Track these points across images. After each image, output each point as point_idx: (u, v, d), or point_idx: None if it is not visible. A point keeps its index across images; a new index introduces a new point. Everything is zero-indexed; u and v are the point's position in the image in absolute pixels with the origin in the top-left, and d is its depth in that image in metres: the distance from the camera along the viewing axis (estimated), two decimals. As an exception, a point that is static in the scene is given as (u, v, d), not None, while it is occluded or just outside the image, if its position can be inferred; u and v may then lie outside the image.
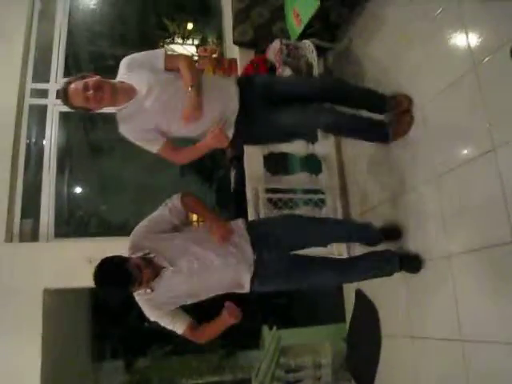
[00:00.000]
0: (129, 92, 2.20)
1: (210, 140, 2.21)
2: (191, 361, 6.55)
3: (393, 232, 2.74)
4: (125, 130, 2.28)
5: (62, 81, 2.14)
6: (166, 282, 2.04)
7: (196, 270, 2.08)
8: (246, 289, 2.20)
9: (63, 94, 2.15)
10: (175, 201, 2.21)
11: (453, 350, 2.30)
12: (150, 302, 2.08)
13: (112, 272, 1.90)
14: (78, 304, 4.58)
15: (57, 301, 3.44)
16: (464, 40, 2.20)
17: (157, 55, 2.27)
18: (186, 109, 2.15)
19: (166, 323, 2.13)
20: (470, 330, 2.19)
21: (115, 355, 6.37)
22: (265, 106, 2.43)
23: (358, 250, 2.90)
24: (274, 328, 4.83)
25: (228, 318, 2.08)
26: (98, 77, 2.16)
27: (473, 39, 2.15)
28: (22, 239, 3.31)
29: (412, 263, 2.56)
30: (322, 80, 3.08)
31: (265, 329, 5.33)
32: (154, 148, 2.31)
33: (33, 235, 3.37)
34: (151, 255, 2.04)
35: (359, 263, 2.56)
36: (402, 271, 2.58)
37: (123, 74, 2.26)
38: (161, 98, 2.20)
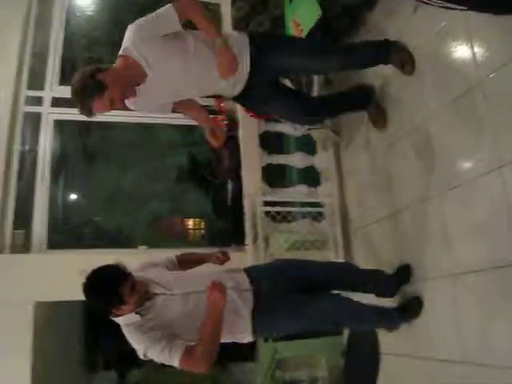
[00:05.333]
0: (138, 78, 2.12)
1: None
2: (186, 375, 6.45)
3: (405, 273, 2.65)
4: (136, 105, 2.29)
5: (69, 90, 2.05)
6: (158, 307, 1.96)
7: (191, 299, 2.01)
8: (248, 333, 2.13)
9: (88, 113, 2.06)
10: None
11: (455, 371, 2.25)
12: (139, 327, 1.90)
13: (103, 285, 1.85)
14: (70, 316, 4.50)
15: (49, 313, 3.36)
16: (470, 54, 2.15)
17: (166, 14, 2.10)
18: (222, 64, 2.14)
19: (159, 350, 1.84)
20: (473, 352, 2.14)
21: (108, 367, 6.27)
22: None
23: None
24: (270, 340, 4.76)
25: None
26: (114, 88, 2.03)
27: (479, 53, 2.11)
28: (13, 250, 3.22)
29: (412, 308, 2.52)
30: None
31: (260, 341, 5.26)
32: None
33: (25, 246, 3.29)
34: (146, 284, 1.98)
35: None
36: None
37: (129, 48, 2.10)
38: (176, 70, 2.17)
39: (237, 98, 2.56)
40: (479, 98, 2.08)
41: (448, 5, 1.49)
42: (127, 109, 2.36)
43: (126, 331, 1.94)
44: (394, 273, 2.66)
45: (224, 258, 2.33)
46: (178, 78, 2.22)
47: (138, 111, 2.53)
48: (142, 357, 1.90)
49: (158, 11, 2.12)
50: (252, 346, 5.53)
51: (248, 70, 2.32)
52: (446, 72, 2.33)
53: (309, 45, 2.71)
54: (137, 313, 1.91)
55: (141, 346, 1.88)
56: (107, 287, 1.84)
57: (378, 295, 2.60)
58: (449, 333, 2.29)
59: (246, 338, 2.16)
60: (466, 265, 2.19)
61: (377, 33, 2.95)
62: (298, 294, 2.30)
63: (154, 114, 2.43)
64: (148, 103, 2.33)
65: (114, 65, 2.11)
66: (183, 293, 2.01)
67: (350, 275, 2.60)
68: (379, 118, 2.89)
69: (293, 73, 2.68)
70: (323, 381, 4.16)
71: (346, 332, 3.56)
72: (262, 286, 2.18)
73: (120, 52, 2.14)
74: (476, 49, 2.12)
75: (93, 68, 2.04)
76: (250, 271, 2.28)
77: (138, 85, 2.14)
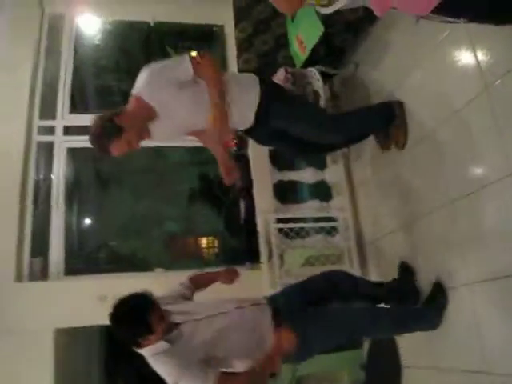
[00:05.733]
0: (150, 117, 2.23)
1: None
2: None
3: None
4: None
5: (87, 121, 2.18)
6: (187, 334, 1.96)
7: (217, 326, 2.02)
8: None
9: (106, 154, 2.18)
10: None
11: (477, 381, 2.21)
12: (169, 356, 1.89)
13: (132, 314, 1.86)
14: (89, 341, 4.51)
15: (68, 340, 3.39)
16: (474, 62, 2.16)
17: (182, 67, 2.21)
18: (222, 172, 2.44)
19: (191, 377, 1.84)
20: (495, 362, 2.10)
21: (129, 393, 6.24)
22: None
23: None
24: (289, 358, 4.71)
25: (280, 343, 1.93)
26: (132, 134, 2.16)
27: (483, 61, 2.11)
28: (31, 278, 3.26)
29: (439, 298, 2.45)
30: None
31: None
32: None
33: (43, 274, 3.32)
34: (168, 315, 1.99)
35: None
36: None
37: (143, 91, 2.21)
38: (180, 115, 2.28)
39: (248, 133, 2.70)
40: (485, 105, 2.09)
41: (448, 19, 1.50)
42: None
43: (153, 361, 1.91)
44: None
45: (232, 277, 2.39)
46: (186, 123, 2.37)
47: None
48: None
49: (175, 60, 2.29)
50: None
51: (251, 120, 2.44)
52: (452, 80, 2.34)
53: (317, 118, 2.73)
54: (166, 340, 1.91)
55: (172, 374, 1.86)
56: (136, 317, 1.85)
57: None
58: (470, 343, 2.25)
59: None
60: (486, 273, 2.16)
61: (380, 46, 2.98)
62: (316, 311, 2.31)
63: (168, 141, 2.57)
64: (159, 140, 2.56)
65: (127, 107, 2.22)
66: (207, 316, 2.03)
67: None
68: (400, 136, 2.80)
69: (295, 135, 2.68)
70: (345, 396, 4.10)
71: (366, 345, 3.52)
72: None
73: (133, 92, 2.24)
74: (480, 56, 2.13)
75: (110, 113, 2.16)
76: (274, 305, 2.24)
77: (152, 121, 2.24)
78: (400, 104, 2.73)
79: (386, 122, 2.73)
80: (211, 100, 2.19)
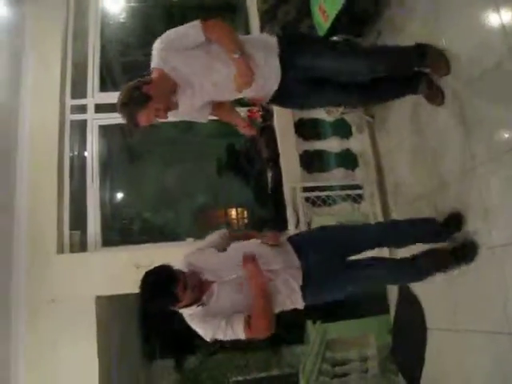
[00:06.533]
0: (173, 88, 2.21)
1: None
2: (238, 358, 6.65)
3: (455, 220, 2.55)
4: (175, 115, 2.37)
5: (115, 98, 2.17)
6: (216, 294, 2.06)
7: (243, 288, 2.08)
8: (300, 304, 2.21)
9: (134, 124, 2.16)
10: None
11: (501, 343, 2.25)
12: (202, 316, 2.04)
13: (156, 289, 1.93)
14: (127, 308, 4.74)
15: (108, 306, 3.59)
16: (498, 22, 2.12)
17: (193, 33, 2.17)
18: (237, 79, 2.16)
19: (224, 330, 2.01)
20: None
21: (165, 355, 6.53)
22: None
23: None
24: (318, 322, 4.86)
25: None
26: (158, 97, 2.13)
27: (507, 20, 2.06)
28: (72, 250, 3.46)
29: (468, 252, 2.43)
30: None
31: (309, 323, 5.36)
32: None
33: (82, 245, 3.52)
34: (200, 273, 2.07)
35: (417, 262, 2.44)
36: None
37: (159, 62, 2.19)
38: (205, 83, 2.23)
39: (273, 101, 2.56)
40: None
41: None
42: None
43: (190, 321, 2.08)
44: (444, 221, 2.57)
45: (274, 241, 2.28)
46: (206, 87, 2.28)
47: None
48: (210, 341, 2.07)
49: (186, 27, 2.20)
50: (301, 328, 5.65)
51: (279, 71, 2.33)
52: (477, 42, 2.31)
53: (336, 46, 2.66)
54: (199, 305, 2.03)
55: (207, 332, 2.04)
56: (161, 291, 1.94)
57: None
58: (494, 305, 2.29)
59: (296, 306, 2.23)
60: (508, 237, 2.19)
61: (403, 13, 2.96)
62: (343, 261, 2.36)
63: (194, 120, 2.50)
64: (185, 112, 2.40)
65: (153, 77, 2.20)
66: (233, 278, 2.10)
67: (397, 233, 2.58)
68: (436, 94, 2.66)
69: (324, 73, 2.50)
70: (373, 359, 4.22)
71: (393, 310, 3.60)
72: (309, 261, 2.22)
73: (152, 65, 2.23)
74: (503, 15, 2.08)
75: (138, 82, 2.15)
76: (295, 244, 2.29)
77: (175, 94, 2.24)
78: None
79: (420, 55, 2.55)
80: (230, 55, 2.14)
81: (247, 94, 2.36)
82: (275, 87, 2.37)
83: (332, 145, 3.66)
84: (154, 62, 2.21)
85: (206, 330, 2.04)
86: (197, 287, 2.02)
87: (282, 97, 2.47)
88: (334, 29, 3.26)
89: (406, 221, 2.71)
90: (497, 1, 2.13)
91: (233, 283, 2.09)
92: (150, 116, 2.14)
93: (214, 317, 2.03)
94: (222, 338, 2.04)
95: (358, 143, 3.65)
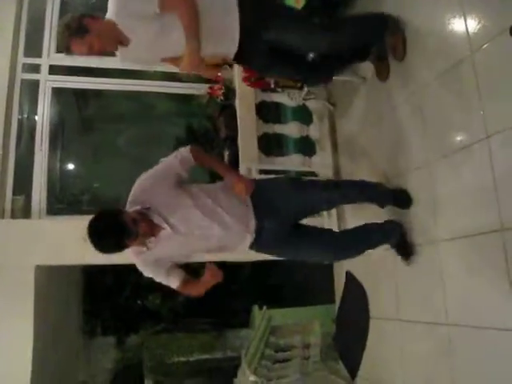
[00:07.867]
0: (118, 38, 2.21)
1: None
2: (182, 339, 6.64)
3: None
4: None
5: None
6: (162, 242, 2.05)
7: (195, 237, 2.10)
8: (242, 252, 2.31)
9: (66, 50, 2.19)
10: (184, 152, 2.16)
11: (439, 333, 2.35)
12: (144, 259, 2.11)
13: (108, 224, 1.90)
14: (69, 281, 4.60)
15: (49, 278, 3.44)
16: (462, 25, 2.17)
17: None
18: (184, 61, 2.23)
19: (161, 278, 2.15)
20: (457, 315, 2.24)
21: (106, 332, 6.41)
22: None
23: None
24: (265, 308, 4.89)
25: (209, 278, 2.11)
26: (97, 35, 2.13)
27: (471, 24, 2.12)
28: (13, 216, 3.28)
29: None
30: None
31: (255, 308, 5.39)
32: None
33: (25, 212, 3.34)
34: (149, 211, 2.02)
35: (359, 235, 2.57)
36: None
37: (112, 16, 2.17)
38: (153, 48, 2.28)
39: (236, 59, 2.53)
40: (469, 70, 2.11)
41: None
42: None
43: (135, 260, 2.13)
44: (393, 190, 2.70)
45: (246, 192, 2.17)
46: (157, 53, 2.36)
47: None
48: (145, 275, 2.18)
49: None
50: (247, 312, 5.69)
51: (236, 33, 2.32)
52: (439, 43, 2.36)
53: (300, 20, 2.60)
54: (144, 246, 2.04)
55: (147, 273, 2.15)
56: (114, 221, 1.89)
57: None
58: (434, 297, 2.38)
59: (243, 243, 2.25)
60: (452, 231, 2.27)
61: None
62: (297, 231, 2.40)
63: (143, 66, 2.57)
64: (133, 60, 2.55)
65: (104, 20, 2.18)
66: (186, 233, 2.08)
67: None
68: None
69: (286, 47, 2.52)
70: (315, 346, 4.28)
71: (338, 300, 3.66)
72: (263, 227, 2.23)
73: (106, 16, 2.20)
74: (468, 19, 2.13)
75: (85, 13, 2.19)
76: (255, 203, 2.24)
77: (122, 44, 2.23)
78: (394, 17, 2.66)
79: (382, 26, 2.66)
80: (186, 38, 2.17)
81: (205, 51, 2.31)
82: (233, 49, 2.39)
83: (292, 130, 3.65)
84: (108, 14, 2.19)
85: (146, 272, 2.14)
86: (147, 234, 2.01)
87: (244, 58, 2.53)
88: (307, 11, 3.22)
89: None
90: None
91: (184, 238, 2.10)
92: (82, 48, 2.16)
93: (154, 263, 2.11)
94: (158, 281, 2.17)
95: (317, 130, 3.65)
